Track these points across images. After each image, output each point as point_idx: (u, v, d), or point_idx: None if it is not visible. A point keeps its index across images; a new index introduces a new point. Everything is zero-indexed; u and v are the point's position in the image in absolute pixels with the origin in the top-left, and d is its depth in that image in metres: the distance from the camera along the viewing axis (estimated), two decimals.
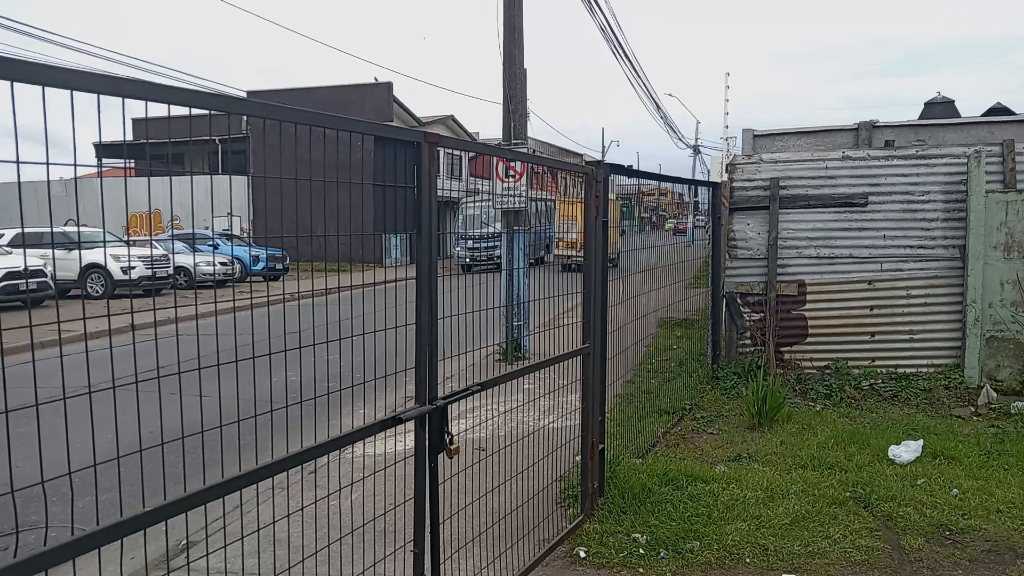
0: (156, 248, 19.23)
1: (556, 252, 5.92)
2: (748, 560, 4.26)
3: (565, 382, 4.74)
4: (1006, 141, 8.08)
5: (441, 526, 3.29)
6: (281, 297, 2.97)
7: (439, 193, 3.26)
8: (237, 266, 21.15)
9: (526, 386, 6.22)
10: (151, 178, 9.36)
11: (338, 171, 2.79)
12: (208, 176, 27.39)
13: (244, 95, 27.19)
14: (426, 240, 3.09)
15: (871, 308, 8.30)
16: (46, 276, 16.24)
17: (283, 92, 34.34)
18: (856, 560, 4.25)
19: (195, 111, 2.13)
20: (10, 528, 4.71)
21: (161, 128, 2.78)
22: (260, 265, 21.89)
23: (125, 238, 22.59)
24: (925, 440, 6.09)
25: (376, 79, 35.46)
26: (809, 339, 8.47)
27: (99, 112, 1.93)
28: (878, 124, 11.31)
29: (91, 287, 18.39)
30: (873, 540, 4.46)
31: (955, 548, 4.37)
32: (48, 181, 1.85)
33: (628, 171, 5.61)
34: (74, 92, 1.79)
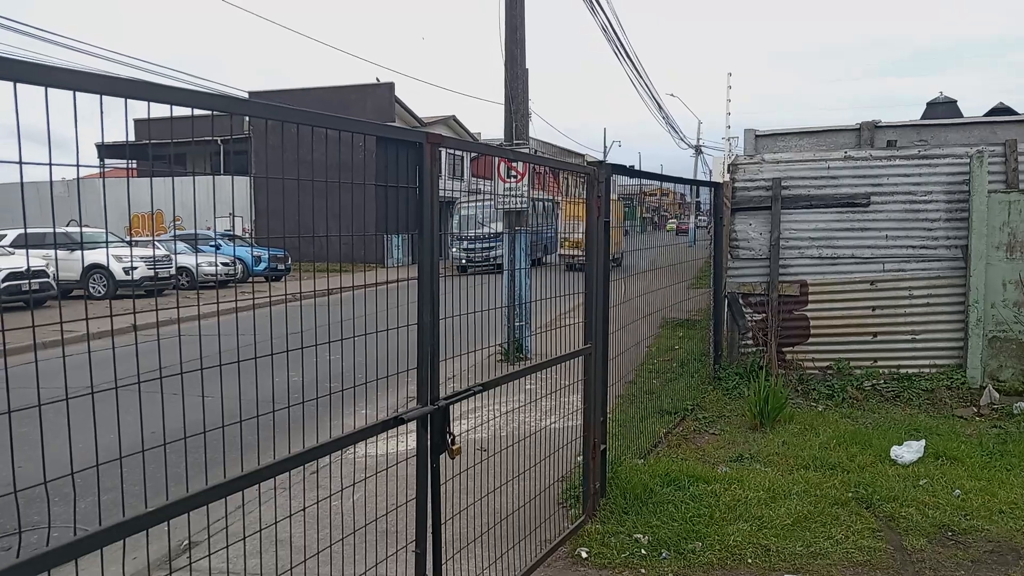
0: (158, 248, 19.25)
1: (561, 252, 5.93)
2: (750, 561, 4.26)
3: (567, 382, 4.73)
4: (1008, 141, 8.07)
5: (443, 526, 3.29)
6: (283, 297, 2.97)
7: (440, 193, 3.26)
8: (239, 266, 21.17)
9: (528, 386, 6.22)
10: (153, 178, 9.39)
11: (340, 171, 2.80)
12: (210, 176, 27.42)
13: (246, 95, 27.22)
14: (428, 240, 3.09)
15: (873, 308, 8.29)
16: (48, 276, 16.27)
17: (285, 92, 34.37)
18: (858, 561, 4.25)
19: (197, 112, 2.13)
20: (13, 528, 4.71)
21: (163, 129, 2.78)
22: (262, 265, 21.89)
23: (127, 239, 22.61)
24: (927, 441, 6.08)
25: (378, 79, 35.48)
26: (811, 339, 8.46)
27: (101, 113, 1.93)
28: (880, 124, 11.30)
29: (93, 287, 18.41)
30: (875, 541, 4.46)
31: (957, 549, 4.37)
32: (51, 181, 1.85)
33: (630, 171, 5.61)
34: (76, 93, 1.79)
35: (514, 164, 10.36)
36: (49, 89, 1.76)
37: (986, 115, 12.24)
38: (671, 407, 7.43)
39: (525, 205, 10.51)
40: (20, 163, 1.78)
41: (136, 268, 17.76)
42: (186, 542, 4.30)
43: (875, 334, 8.30)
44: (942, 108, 13.98)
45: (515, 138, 10.90)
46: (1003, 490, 5.13)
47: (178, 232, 21.37)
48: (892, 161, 8.20)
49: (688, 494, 5.09)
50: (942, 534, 4.55)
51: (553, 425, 4.85)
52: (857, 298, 8.32)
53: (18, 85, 1.69)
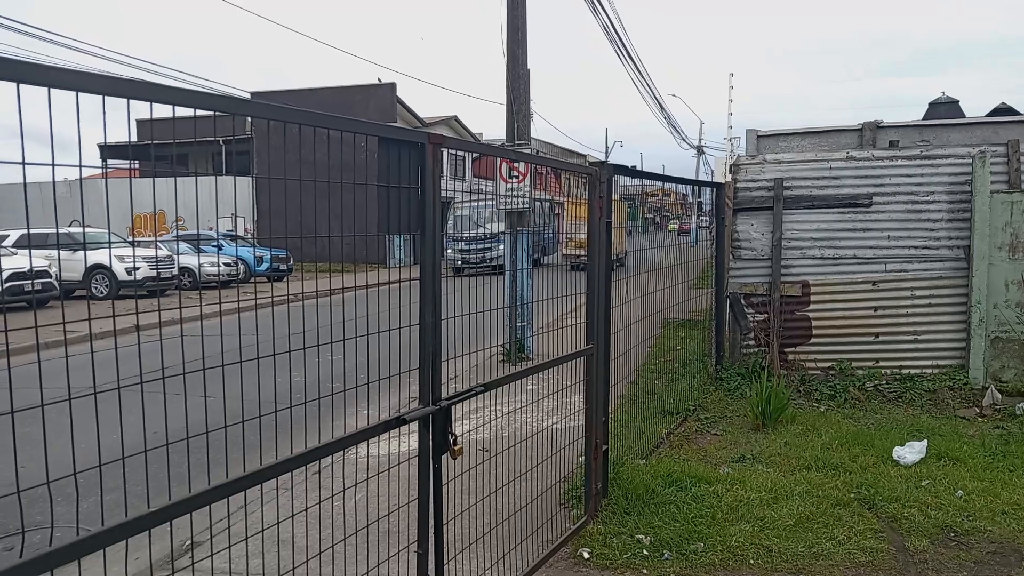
0: (160, 249, 19.27)
1: (565, 252, 5.94)
2: (752, 561, 4.25)
3: (569, 383, 4.73)
4: (1011, 141, 8.06)
5: (445, 527, 3.29)
6: (285, 298, 2.97)
7: (442, 194, 3.26)
8: (241, 267, 21.19)
9: (529, 387, 6.22)
10: (156, 179, 9.40)
11: (342, 172, 2.80)
12: (212, 177, 27.44)
13: (248, 96, 27.24)
14: (430, 241, 3.09)
15: (875, 309, 8.28)
16: (51, 277, 16.29)
17: (287, 93, 34.39)
18: (860, 561, 4.24)
19: (199, 112, 2.13)
20: (15, 528, 4.72)
21: (165, 129, 2.78)
22: (264, 266, 21.91)
23: (130, 239, 22.63)
24: (929, 441, 6.07)
25: (380, 80, 35.50)
26: (813, 340, 8.45)
27: (104, 113, 1.93)
28: (882, 124, 11.30)
29: (96, 288, 18.43)
30: (877, 541, 4.45)
31: (960, 550, 4.36)
32: (53, 182, 1.86)
33: (632, 171, 5.61)
34: (79, 93, 1.80)
35: (516, 164, 10.36)
36: (52, 90, 1.76)
37: (988, 115, 12.24)
38: (673, 407, 7.43)
39: (527, 206, 10.51)
40: (23, 163, 1.79)
41: (138, 268, 17.78)
42: (188, 542, 4.30)
43: (877, 334, 8.29)
44: (944, 108, 13.98)
45: (517, 138, 10.90)
46: (1006, 491, 5.12)
47: (180, 232, 21.39)
48: (894, 161, 8.19)
49: (690, 495, 5.08)
50: (944, 535, 4.55)
51: (555, 425, 4.84)
52: (859, 298, 8.32)
53: (21, 86, 1.70)
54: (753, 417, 6.90)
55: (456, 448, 3.19)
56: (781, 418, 6.87)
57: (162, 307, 2.16)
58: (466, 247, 17.23)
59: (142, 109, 1.98)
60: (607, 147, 56.02)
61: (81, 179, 2.13)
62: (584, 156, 47.66)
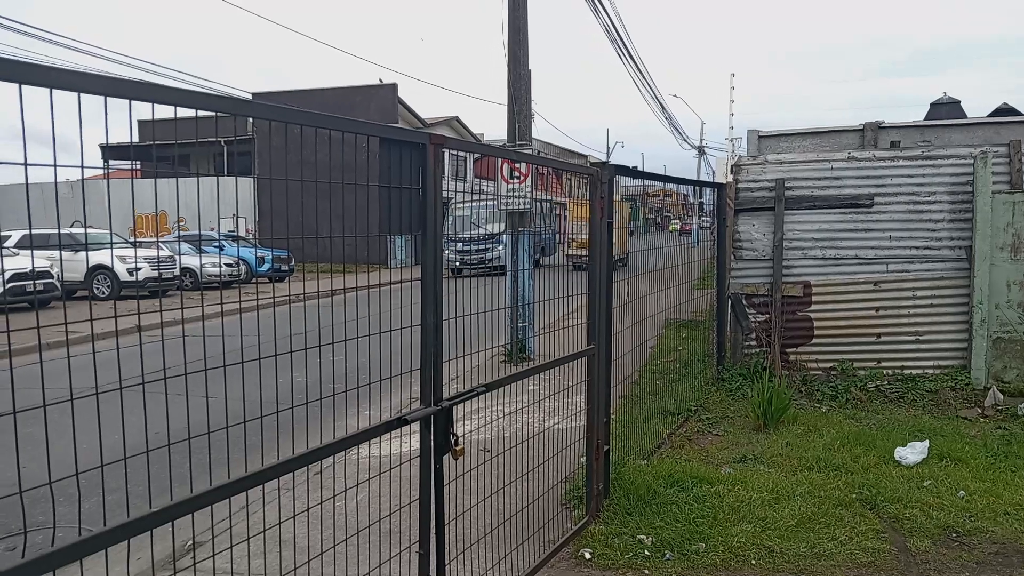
0: (162, 249, 19.29)
1: (568, 252, 5.95)
2: (754, 562, 4.25)
3: (570, 383, 4.73)
4: (1013, 142, 8.05)
5: (446, 527, 3.29)
6: (287, 298, 2.97)
7: (443, 194, 3.26)
8: (243, 267, 21.20)
9: (531, 387, 6.22)
10: (157, 179, 9.37)
11: (343, 172, 2.80)
12: (214, 178, 27.47)
13: (249, 96, 27.26)
14: (431, 241, 3.09)
15: (877, 309, 8.27)
16: (53, 277, 16.30)
17: (288, 94, 34.41)
18: (862, 562, 4.24)
19: (201, 113, 2.13)
20: (18, 528, 4.73)
21: (167, 130, 2.79)
22: (265, 266, 21.94)
23: (131, 239, 22.65)
24: (931, 442, 6.06)
25: (381, 80, 35.51)
26: (815, 340, 8.45)
27: (106, 114, 1.93)
28: (884, 125, 11.28)
29: (97, 288, 18.45)
30: (879, 542, 4.45)
31: (962, 550, 4.36)
32: (55, 183, 1.86)
33: (633, 172, 5.61)
34: (81, 94, 1.80)
35: (517, 165, 10.36)
36: (53, 91, 1.76)
37: (990, 115, 12.23)
38: (674, 408, 7.43)
39: (528, 206, 10.51)
40: (25, 164, 1.79)
41: (140, 269, 17.80)
42: (190, 542, 4.31)
43: (879, 335, 8.28)
44: (946, 108, 13.96)
45: (518, 139, 10.90)
46: (1008, 491, 5.11)
47: (182, 233, 21.41)
48: (896, 162, 8.18)
49: (692, 495, 5.08)
50: (946, 535, 4.54)
51: (556, 426, 4.84)
52: (861, 299, 8.31)
53: (23, 87, 1.70)
54: (755, 418, 6.90)
55: (457, 448, 3.19)
56: (783, 419, 6.87)
57: (164, 307, 2.16)
58: (464, 248, 17.02)
59: (144, 110, 1.98)
60: (608, 147, 56.02)
61: (83, 180, 2.13)
62: (585, 157, 47.62)
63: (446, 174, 3.34)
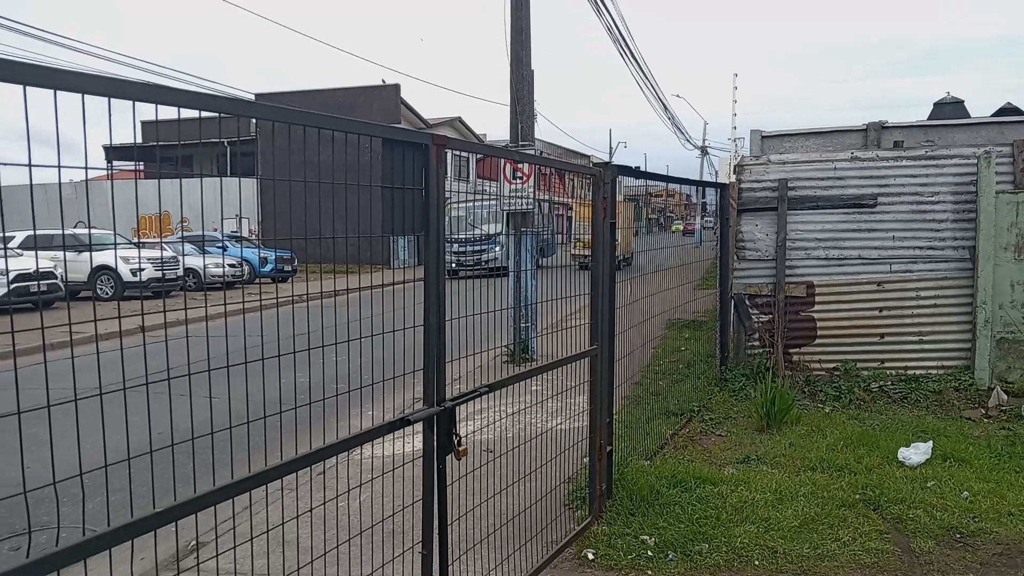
0: (166, 250, 19.33)
1: (572, 252, 5.96)
2: (757, 563, 4.25)
3: (573, 384, 4.73)
4: (1016, 141, 8.03)
5: (449, 527, 3.29)
6: (289, 298, 2.98)
7: (445, 195, 3.26)
8: (246, 268, 21.23)
9: (534, 388, 6.22)
10: (160, 180, 9.42)
11: (346, 173, 2.80)
12: (217, 178, 27.51)
13: (252, 97, 27.30)
14: (434, 242, 3.10)
15: (880, 309, 8.26)
16: (56, 278, 16.34)
17: (291, 94, 34.47)
18: (865, 563, 4.23)
19: (204, 114, 2.14)
20: (22, 528, 4.74)
21: (170, 130, 2.80)
22: (269, 267, 21.97)
23: (135, 240, 22.70)
24: (935, 442, 6.05)
25: (383, 81, 35.54)
26: (818, 341, 8.44)
27: (110, 115, 1.94)
28: (887, 125, 11.26)
29: (101, 289, 18.49)
30: (883, 543, 4.44)
31: (965, 551, 4.35)
32: (59, 183, 1.86)
33: (636, 172, 5.61)
34: (85, 96, 1.80)
35: (520, 165, 10.36)
36: (57, 92, 1.77)
37: (994, 115, 12.19)
38: (677, 408, 7.42)
39: (531, 206, 10.51)
40: (29, 165, 1.80)
41: (143, 269, 17.83)
42: (194, 542, 4.32)
43: (882, 335, 8.27)
44: (949, 108, 13.93)
45: (520, 139, 10.90)
46: (1012, 492, 5.10)
47: (185, 233, 21.45)
48: (899, 162, 8.17)
49: (695, 496, 5.08)
50: (950, 536, 4.53)
51: (559, 426, 4.84)
52: (864, 299, 8.30)
53: (27, 88, 1.70)
54: (758, 418, 6.89)
55: (460, 449, 3.19)
56: (786, 419, 6.86)
57: (167, 308, 2.16)
58: (460, 249, 16.72)
59: (147, 111, 1.99)
60: (611, 148, 55.98)
61: (87, 180, 2.14)
62: (588, 157, 47.63)
63: (449, 175, 3.34)
